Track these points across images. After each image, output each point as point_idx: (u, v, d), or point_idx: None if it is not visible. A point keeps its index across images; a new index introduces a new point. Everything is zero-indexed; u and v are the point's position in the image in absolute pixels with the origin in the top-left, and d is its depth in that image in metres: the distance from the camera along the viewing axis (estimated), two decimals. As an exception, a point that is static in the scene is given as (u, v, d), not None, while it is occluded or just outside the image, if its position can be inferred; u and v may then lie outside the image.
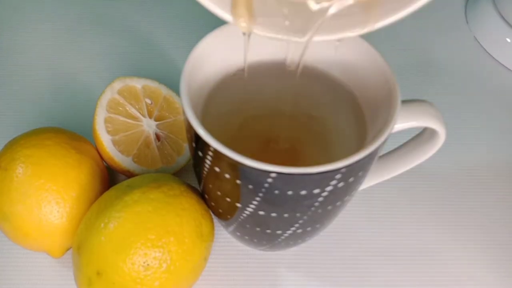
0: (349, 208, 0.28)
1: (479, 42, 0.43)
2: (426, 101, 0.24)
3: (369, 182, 0.28)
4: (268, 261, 0.30)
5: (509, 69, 0.42)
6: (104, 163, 0.31)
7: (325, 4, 0.20)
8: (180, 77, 0.23)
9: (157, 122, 0.32)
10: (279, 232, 0.25)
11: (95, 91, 0.36)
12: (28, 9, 0.43)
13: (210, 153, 0.21)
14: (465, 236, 0.32)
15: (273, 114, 0.27)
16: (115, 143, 0.30)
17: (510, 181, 0.35)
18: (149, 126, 0.31)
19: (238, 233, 0.27)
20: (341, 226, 0.31)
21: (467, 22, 0.45)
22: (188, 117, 0.21)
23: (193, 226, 0.25)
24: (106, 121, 0.30)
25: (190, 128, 0.22)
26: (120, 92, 0.31)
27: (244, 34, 0.22)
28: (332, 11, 0.20)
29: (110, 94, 0.31)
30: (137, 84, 0.32)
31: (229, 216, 0.25)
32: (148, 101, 0.32)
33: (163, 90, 0.33)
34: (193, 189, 0.27)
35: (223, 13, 0.21)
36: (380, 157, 0.27)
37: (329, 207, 0.23)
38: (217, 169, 0.22)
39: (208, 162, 0.22)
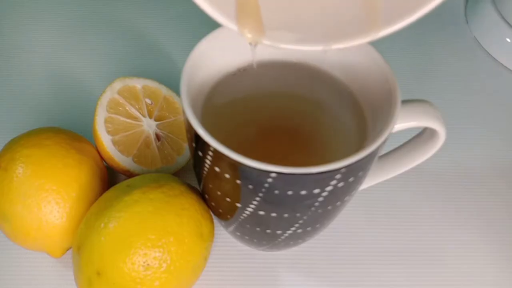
0: (349, 208, 0.28)
1: (479, 42, 0.43)
2: (426, 101, 0.24)
3: (369, 182, 0.28)
4: (268, 261, 0.30)
5: (509, 69, 0.42)
6: (104, 163, 0.31)
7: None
8: (180, 77, 0.23)
9: (157, 122, 0.32)
10: (279, 232, 0.25)
11: (95, 91, 0.36)
12: (28, 9, 0.43)
13: (210, 153, 0.21)
14: (465, 236, 0.32)
15: (273, 114, 0.27)
16: (115, 143, 0.30)
17: (510, 181, 0.35)
18: (149, 126, 0.31)
19: (238, 233, 0.27)
20: (341, 226, 0.31)
21: (467, 22, 0.45)
22: (188, 117, 0.21)
23: (193, 226, 0.25)
24: (106, 121, 0.30)
25: (190, 128, 0.22)
26: (120, 92, 0.31)
27: (250, 44, 0.22)
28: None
29: (110, 94, 0.31)
30: (137, 84, 0.32)
31: (229, 216, 0.25)
32: (148, 101, 0.32)
33: (163, 90, 0.33)
34: (193, 189, 0.27)
35: (228, 23, 0.21)
36: (380, 157, 0.27)
37: (329, 207, 0.23)
38: (217, 169, 0.22)
39: (208, 162, 0.22)
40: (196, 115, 0.22)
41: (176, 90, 0.29)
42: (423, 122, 0.24)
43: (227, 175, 0.22)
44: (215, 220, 0.28)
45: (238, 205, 0.23)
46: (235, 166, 0.21)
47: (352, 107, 0.26)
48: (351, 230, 0.32)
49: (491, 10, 0.42)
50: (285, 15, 0.22)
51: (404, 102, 0.23)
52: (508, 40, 0.41)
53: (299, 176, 0.20)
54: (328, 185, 0.21)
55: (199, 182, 0.26)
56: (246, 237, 0.27)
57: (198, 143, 0.22)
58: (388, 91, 0.23)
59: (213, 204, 0.26)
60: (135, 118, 0.31)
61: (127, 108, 0.31)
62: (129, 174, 0.30)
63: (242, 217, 0.24)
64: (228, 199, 0.24)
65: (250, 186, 0.21)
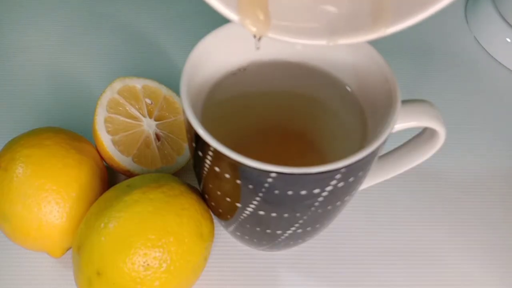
0: (349, 208, 0.28)
1: (479, 42, 0.43)
2: (426, 101, 0.24)
3: (369, 182, 0.28)
4: (268, 261, 0.30)
5: (509, 69, 0.42)
6: (104, 163, 0.31)
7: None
8: (180, 77, 0.23)
9: (157, 122, 0.32)
10: (279, 232, 0.25)
11: (95, 91, 0.36)
12: (28, 9, 0.43)
13: (210, 153, 0.21)
14: (465, 236, 0.32)
15: (273, 114, 0.27)
16: (115, 143, 0.30)
17: (510, 181, 0.35)
18: (149, 126, 0.31)
19: (238, 233, 0.27)
20: (341, 226, 0.31)
21: (467, 22, 0.45)
22: (188, 117, 0.21)
23: (193, 226, 0.25)
24: (106, 121, 0.30)
25: (190, 128, 0.22)
26: (120, 92, 0.31)
27: (255, 37, 0.21)
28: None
29: (110, 94, 0.31)
30: (137, 84, 0.32)
31: (229, 216, 0.25)
32: (148, 101, 0.32)
33: (163, 90, 0.33)
34: (193, 189, 0.27)
35: (230, 14, 0.20)
36: (380, 157, 0.27)
37: (329, 207, 0.23)
38: (217, 169, 0.22)
39: (208, 162, 0.22)
40: (196, 115, 0.22)
41: (176, 90, 0.29)
42: (423, 122, 0.24)
43: (227, 175, 0.22)
44: (215, 220, 0.28)
45: (238, 205, 0.23)
46: (235, 166, 0.21)
47: (352, 107, 0.26)
48: (351, 230, 0.32)
49: (491, 10, 0.42)
50: (290, 7, 0.21)
51: (404, 102, 0.23)
52: (508, 40, 0.41)
53: (299, 176, 0.20)
54: (328, 185, 0.21)
55: (199, 182, 0.26)
56: (246, 237, 0.27)
57: (198, 143, 0.22)
58: (388, 91, 0.23)
59: (213, 204, 0.26)
60: (135, 118, 0.31)
61: (127, 108, 0.31)
62: (129, 174, 0.30)
63: (242, 217, 0.24)
64: (228, 199, 0.24)
65: (250, 186, 0.21)
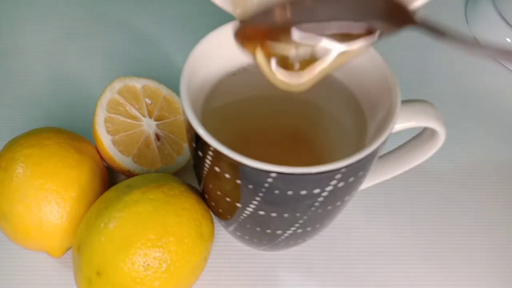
0: (349, 208, 0.28)
1: (479, 42, 0.43)
2: (426, 101, 0.24)
3: (369, 182, 0.28)
4: (268, 261, 0.30)
5: (509, 69, 0.42)
6: (104, 163, 0.31)
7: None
8: (180, 77, 0.23)
9: (157, 122, 0.32)
10: (279, 232, 0.25)
11: (95, 91, 0.36)
12: (28, 9, 0.43)
13: (210, 153, 0.21)
14: (465, 236, 0.32)
15: (273, 114, 0.27)
16: (115, 143, 0.30)
17: (510, 181, 0.35)
18: (149, 126, 0.31)
19: (238, 233, 0.27)
20: (341, 226, 0.31)
21: (467, 22, 0.45)
22: (188, 117, 0.21)
23: (193, 226, 0.25)
24: (106, 121, 0.30)
25: (190, 128, 0.22)
26: (120, 92, 0.31)
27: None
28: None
29: (110, 94, 0.31)
30: (137, 84, 0.32)
31: (229, 216, 0.25)
32: (148, 101, 0.32)
33: (163, 90, 0.33)
34: (193, 189, 0.27)
35: (224, 4, 0.21)
36: (380, 157, 0.27)
37: (329, 207, 0.23)
38: (217, 169, 0.22)
39: (208, 162, 0.22)
40: (196, 115, 0.22)
41: (176, 90, 0.29)
42: (423, 122, 0.24)
43: (227, 175, 0.22)
44: (215, 220, 0.28)
45: (238, 205, 0.23)
46: (235, 166, 0.21)
47: (352, 107, 0.26)
48: (351, 230, 0.32)
49: (491, 10, 0.42)
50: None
51: (404, 102, 0.23)
52: (508, 40, 0.41)
53: (299, 176, 0.20)
54: (328, 185, 0.21)
55: (199, 182, 0.26)
56: (246, 237, 0.27)
57: (198, 143, 0.22)
58: (388, 91, 0.23)
59: (213, 204, 0.26)
60: (135, 118, 0.31)
61: (127, 108, 0.31)
62: (129, 174, 0.30)
63: (242, 217, 0.24)
64: (228, 199, 0.24)
65: (250, 186, 0.21)
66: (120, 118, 0.31)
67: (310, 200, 0.22)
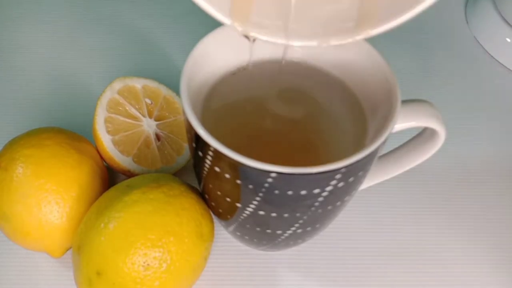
0: (349, 208, 0.28)
1: (479, 42, 0.43)
2: (426, 101, 0.24)
3: (369, 182, 0.28)
4: (268, 261, 0.30)
5: (509, 69, 0.42)
6: (104, 163, 0.31)
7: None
8: (180, 77, 0.23)
9: (157, 122, 0.32)
10: (279, 232, 0.25)
11: (95, 91, 0.36)
12: (28, 9, 0.43)
13: (210, 153, 0.21)
14: (465, 236, 0.32)
15: (273, 114, 0.27)
16: (115, 143, 0.30)
17: (510, 181, 0.35)
18: (149, 126, 0.31)
19: (238, 233, 0.27)
20: (341, 226, 0.31)
21: (467, 22, 0.45)
22: (188, 117, 0.21)
23: (193, 226, 0.25)
24: (106, 121, 0.30)
25: (190, 128, 0.22)
26: (120, 92, 0.31)
27: (246, 38, 0.22)
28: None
29: (110, 94, 0.31)
30: (137, 84, 0.32)
31: (229, 216, 0.25)
32: (148, 101, 0.32)
33: (163, 90, 0.33)
34: (193, 189, 0.27)
35: (223, 17, 0.21)
36: (380, 157, 0.27)
37: (329, 207, 0.23)
38: (217, 169, 0.22)
39: (208, 162, 0.22)
40: (196, 115, 0.22)
41: (176, 90, 0.29)
42: (423, 122, 0.24)
43: (227, 175, 0.22)
44: (215, 220, 0.28)
45: (238, 205, 0.23)
46: (235, 166, 0.21)
47: (352, 107, 0.26)
48: (351, 230, 0.32)
49: (491, 10, 0.42)
50: (280, 10, 0.22)
51: (404, 102, 0.23)
52: (508, 40, 0.41)
53: (299, 176, 0.20)
54: (328, 185, 0.21)
55: (199, 182, 0.26)
56: (246, 237, 0.27)
57: (198, 143, 0.22)
58: (388, 91, 0.23)
59: (213, 204, 0.26)
60: (135, 118, 0.31)
61: (127, 108, 0.31)
62: (129, 174, 0.30)
63: (242, 217, 0.24)
64: (228, 199, 0.24)
65: (250, 186, 0.21)
66: (120, 118, 0.31)
67: (310, 200, 0.22)
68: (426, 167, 0.30)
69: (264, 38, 0.22)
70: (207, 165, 0.22)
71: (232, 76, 0.27)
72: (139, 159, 0.30)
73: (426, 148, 0.26)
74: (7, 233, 0.27)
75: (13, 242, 0.27)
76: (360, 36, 0.21)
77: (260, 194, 0.22)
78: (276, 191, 0.21)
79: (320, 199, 0.22)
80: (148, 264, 0.24)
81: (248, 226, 0.25)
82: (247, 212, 0.24)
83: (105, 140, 0.30)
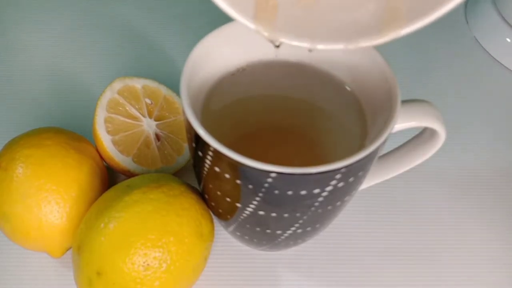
0: (349, 208, 0.28)
1: (479, 42, 0.43)
2: (426, 101, 0.24)
3: (369, 182, 0.28)
4: (268, 261, 0.30)
5: (509, 69, 0.42)
6: (104, 163, 0.31)
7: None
8: (180, 77, 0.23)
9: (157, 122, 0.32)
10: (279, 232, 0.25)
11: (95, 91, 0.36)
12: (28, 9, 0.43)
13: (210, 153, 0.21)
14: (465, 236, 0.32)
15: (273, 114, 0.27)
16: (115, 143, 0.30)
17: (510, 181, 0.35)
18: (149, 126, 0.31)
19: (238, 233, 0.27)
20: (341, 226, 0.31)
21: (467, 22, 0.45)
22: (188, 117, 0.21)
23: (193, 226, 0.25)
24: (106, 121, 0.30)
25: (190, 128, 0.22)
26: (120, 92, 0.31)
27: (273, 45, 0.22)
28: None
29: (110, 94, 0.31)
30: (137, 84, 0.32)
31: (229, 216, 0.25)
32: (148, 101, 0.32)
33: (163, 90, 0.33)
34: (193, 189, 0.27)
35: (246, 22, 0.20)
36: (380, 157, 0.27)
37: (329, 207, 0.23)
38: (217, 169, 0.22)
39: (208, 162, 0.22)
40: (196, 115, 0.22)
41: (176, 90, 0.29)
42: (423, 122, 0.24)
43: (227, 175, 0.22)
44: (215, 220, 0.28)
45: (238, 205, 0.23)
46: (235, 166, 0.21)
47: (352, 107, 0.26)
48: (351, 230, 0.32)
49: (491, 10, 0.42)
50: (306, 13, 0.21)
51: (404, 102, 0.23)
52: (508, 40, 0.41)
53: (299, 176, 0.20)
54: (328, 185, 0.21)
55: (199, 182, 0.26)
56: (246, 237, 0.27)
57: (198, 143, 0.22)
58: (388, 91, 0.23)
59: (213, 204, 0.26)
60: (135, 118, 0.31)
61: (127, 108, 0.31)
62: (129, 174, 0.30)
63: (242, 217, 0.24)
64: (228, 199, 0.24)
65: (250, 186, 0.21)
66: (120, 118, 0.31)
67: (310, 200, 0.22)
68: (426, 167, 0.30)
69: (291, 42, 0.21)
70: (207, 165, 0.22)
71: (232, 76, 0.27)
72: (139, 159, 0.30)
73: (426, 148, 0.26)
74: (7, 233, 0.27)
75: (13, 242, 0.27)
76: (389, 37, 0.21)
77: (260, 194, 0.22)
78: (276, 191, 0.21)
79: (320, 199, 0.22)
80: (148, 264, 0.24)
81: (248, 226, 0.25)
82: (247, 212, 0.24)
83: (105, 140, 0.30)
